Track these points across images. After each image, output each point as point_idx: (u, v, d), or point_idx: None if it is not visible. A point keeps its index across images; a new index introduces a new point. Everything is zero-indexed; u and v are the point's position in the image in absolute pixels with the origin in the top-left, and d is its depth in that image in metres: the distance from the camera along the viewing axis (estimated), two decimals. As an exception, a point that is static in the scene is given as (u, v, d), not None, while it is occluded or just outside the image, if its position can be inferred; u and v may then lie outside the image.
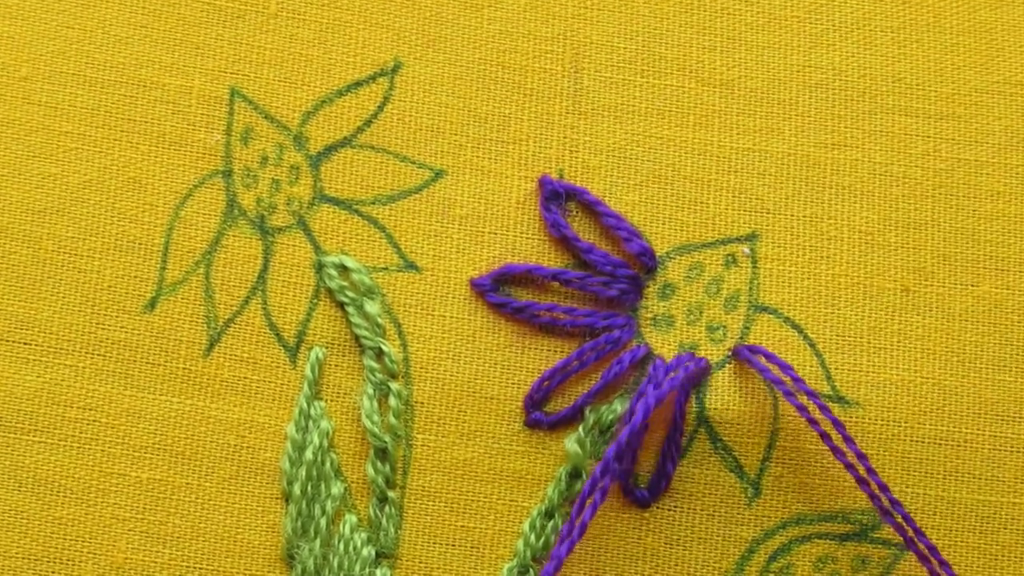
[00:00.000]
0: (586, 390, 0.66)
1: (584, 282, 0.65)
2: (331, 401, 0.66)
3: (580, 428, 0.65)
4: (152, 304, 0.66)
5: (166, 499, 0.65)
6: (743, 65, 0.68)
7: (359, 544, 0.65)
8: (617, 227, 0.66)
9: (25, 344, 0.65)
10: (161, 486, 0.65)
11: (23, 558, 0.64)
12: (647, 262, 0.66)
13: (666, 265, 0.66)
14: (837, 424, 0.63)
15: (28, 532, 0.65)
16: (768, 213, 0.67)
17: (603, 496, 0.61)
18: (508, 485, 0.65)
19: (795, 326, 0.66)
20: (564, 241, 0.66)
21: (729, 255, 0.67)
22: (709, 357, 0.66)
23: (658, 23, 0.68)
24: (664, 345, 0.66)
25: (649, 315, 0.66)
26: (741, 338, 0.66)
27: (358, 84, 0.67)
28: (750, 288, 0.66)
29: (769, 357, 0.64)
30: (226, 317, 0.66)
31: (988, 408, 0.66)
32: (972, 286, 0.67)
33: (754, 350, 0.65)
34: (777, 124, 0.68)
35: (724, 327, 0.66)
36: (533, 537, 0.65)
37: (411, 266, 0.66)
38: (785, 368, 0.64)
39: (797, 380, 0.64)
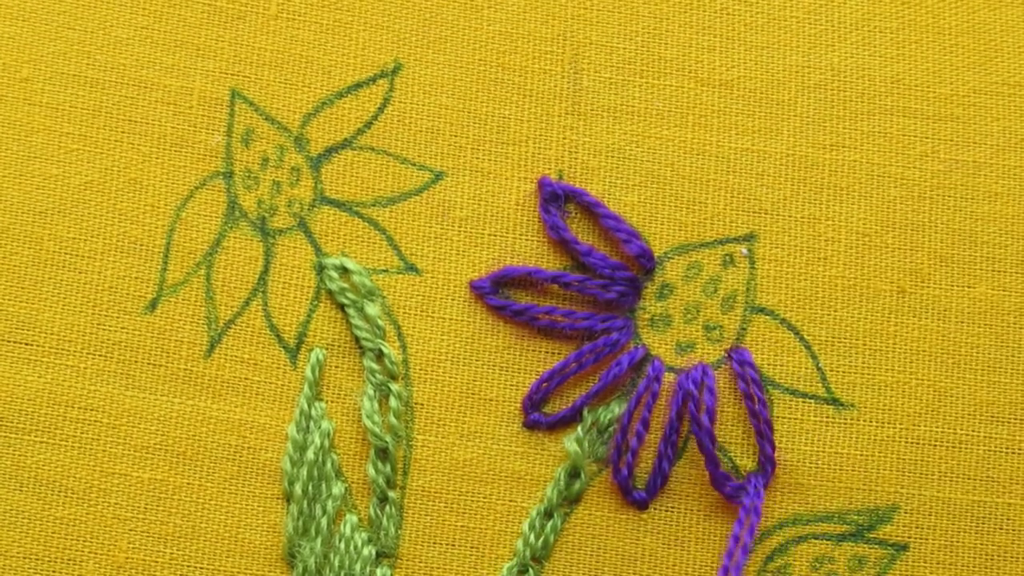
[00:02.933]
0: (584, 392, 0.66)
1: (583, 285, 0.66)
2: (332, 402, 0.66)
3: (579, 428, 0.66)
4: (153, 305, 0.66)
5: (167, 499, 0.65)
6: (742, 66, 0.68)
7: (360, 544, 0.65)
8: (616, 228, 0.66)
9: (26, 345, 0.66)
10: (162, 486, 0.65)
11: (25, 558, 0.65)
12: (645, 263, 0.66)
13: (664, 265, 0.67)
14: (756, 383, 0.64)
15: (30, 532, 0.65)
16: (766, 214, 0.67)
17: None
18: (507, 485, 0.66)
19: (791, 327, 0.66)
20: (563, 244, 0.66)
21: (727, 255, 0.67)
22: (706, 356, 0.66)
23: (657, 24, 0.68)
24: (661, 345, 0.66)
25: (647, 315, 0.67)
26: (737, 338, 0.66)
27: (358, 85, 0.67)
28: (747, 288, 0.67)
29: (744, 360, 0.65)
30: (227, 318, 0.66)
31: (983, 409, 0.66)
32: (968, 288, 0.67)
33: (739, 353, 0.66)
34: (775, 125, 0.68)
35: (721, 327, 0.66)
36: (532, 537, 0.65)
37: (411, 268, 0.66)
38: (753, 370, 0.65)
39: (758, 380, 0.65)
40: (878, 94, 0.68)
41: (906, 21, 0.69)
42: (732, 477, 0.65)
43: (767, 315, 0.66)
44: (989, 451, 0.66)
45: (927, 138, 0.68)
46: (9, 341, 0.66)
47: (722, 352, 0.66)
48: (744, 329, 0.66)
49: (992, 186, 0.68)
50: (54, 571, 0.65)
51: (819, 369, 0.66)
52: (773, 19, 0.69)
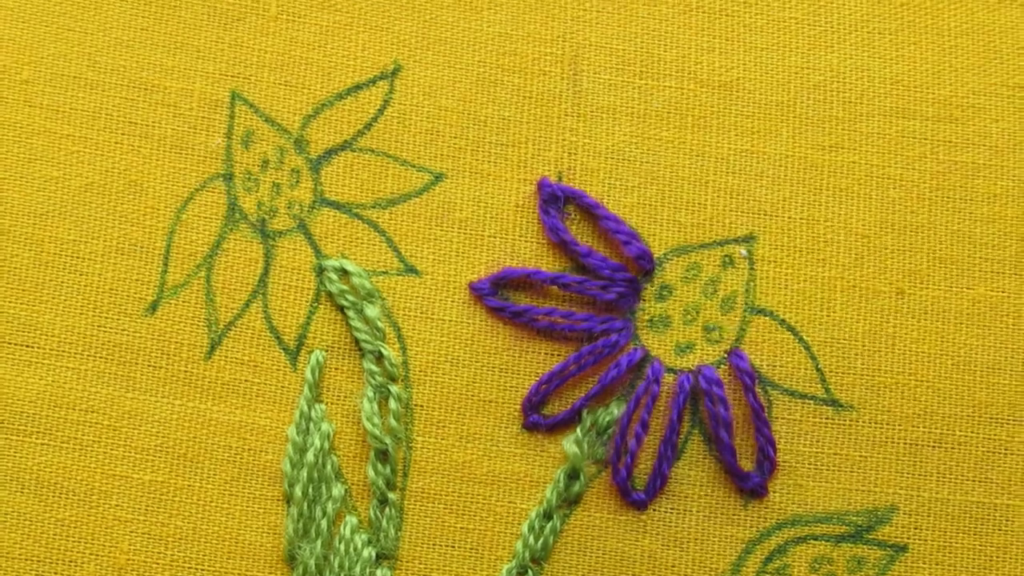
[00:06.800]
0: (584, 393, 0.66)
1: (582, 286, 0.66)
2: (331, 404, 0.66)
3: (578, 430, 0.66)
4: (153, 307, 0.66)
5: (168, 501, 0.65)
6: (741, 67, 0.68)
7: (360, 545, 0.65)
8: (616, 230, 0.66)
9: (27, 347, 0.66)
10: (163, 488, 0.65)
11: (25, 559, 0.65)
12: (645, 265, 0.66)
13: (663, 266, 0.67)
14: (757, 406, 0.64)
15: (30, 534, 0.65)
16: (765, 215, 0.67)
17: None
18: (506, 487, 0.66)
19: (790, 328, 0.66)
20: (562, 246, 0.66)
21: (726, 256, 0.67)
22: (705, 357, 0.66)
23: (656, 25, 0.68)
24: (660, 346, 0.66)
25: (646, 316, 0.67)
26: (737, 339, 0.66)
27: (358, 87, 0.68)
28: (746, 290, 0.67)
29: (741, 363, 0.65)
30: (227, 320, 0.66)
31: (982, 411, 0.66)
32: (967, 289, 0.67)
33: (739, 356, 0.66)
34: (775, 126, 0.68)
35: (720, 328, 0.67)
36: (532, 538, 0.65)
37: (411, 270, 0.67)
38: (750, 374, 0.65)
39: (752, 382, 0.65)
40: (877, 96, 0.68)
41: (905, 23, 0.69)
42: (752, 472, 0.65)
43: (766, 316, 0.66)
44: (988, 452, 0.66)
45: (926, 140, 0.68)
46: (10, 343, 0.66)
47: (722, 353, 0.66)
48: (743, 330, 0.66)
49: (991, 188, 0.68)
50: (55, 573, 0.65)
51: (818, 370, 0.66)
52: (772, 21, 0.69)
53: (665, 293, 0.67)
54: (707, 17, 0.69)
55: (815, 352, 0.66)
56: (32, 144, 0.67)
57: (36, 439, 0.65)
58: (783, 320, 0.66)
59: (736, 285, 0.67)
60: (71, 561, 0.65)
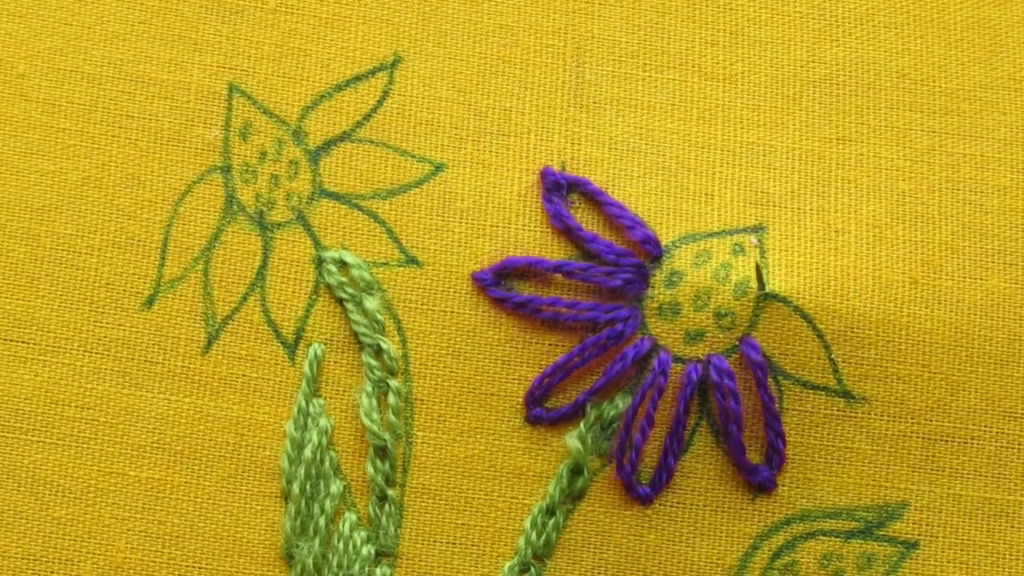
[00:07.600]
0: (588, 385, 0.65)
1: (587, 273, 0.65)
2: (330, 399, 0.65)
3: (581, 424, 0.65)
4: (150, 301, 0.65)
5: (165, 498, 0.64)
6: (747, 60, 0.68)
7: (359, 543, 0.64)
8: (620, 216, 0.65)
9: (23, 342, 0.65)
10: (160, 485, 0.64)
11: (21, 558, 0.64)
12: (651, 250, 0.65)
13: (672, 253, 0.66)
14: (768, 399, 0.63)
15: (26, 532, 0.64)
16: (774, 206, 0.66)
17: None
18: (509, 482, 0.65)
19: (804, 315, 0.65)
20: (567, 232, 0.65)
21: (736, 244, 0.66)
22: (716, 345, 0.65)
23: (660, 17, 0.68)
24: (669, 334, 0.65)
25: (655, 304, 0.65)
26: (750, 326, 0.65)
27: (357, 78, 0.67)
28: (759, 275, 0.66)
29: (754, 353, 0.64)
30: (224, 314, 0.65)
31: (995, 404, 0.65)
32: (981, 280, 0.66)
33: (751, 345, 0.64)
34: (781, 119, 0.67)
35: (733, 314, 0.65)
36: (534, 534, 0.64)
37: (411, 261, 0.66)
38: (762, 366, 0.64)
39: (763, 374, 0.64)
40: (884, 88, 0.67)
41: (911, 16, 0.68)
42: (760, 466, 0.64)
43: (780, 302, 0.65)
44: (1001, 447, 0.65)
45: (934, 132, 0.67)
46: (5, 339, 0.65)
47: (734, 340, 0.65)
48: (757, 316, 0.65)
49: (1000, 180, 0.67)
50: (51, 571, 0.64)
51: (831, 360, 0.65)
52: (777, 13, 0.68)
53: (675, 279, 0.65)
54: (711, 9, 0.68)
55: (828, 341, 0.65)
56: (28, 138, 0.66)
57: (31, 436, 0.65)
58: (797, 307, 0.65)
59: (748, 271, 0.66)
60: (67, 560, 0.64)
